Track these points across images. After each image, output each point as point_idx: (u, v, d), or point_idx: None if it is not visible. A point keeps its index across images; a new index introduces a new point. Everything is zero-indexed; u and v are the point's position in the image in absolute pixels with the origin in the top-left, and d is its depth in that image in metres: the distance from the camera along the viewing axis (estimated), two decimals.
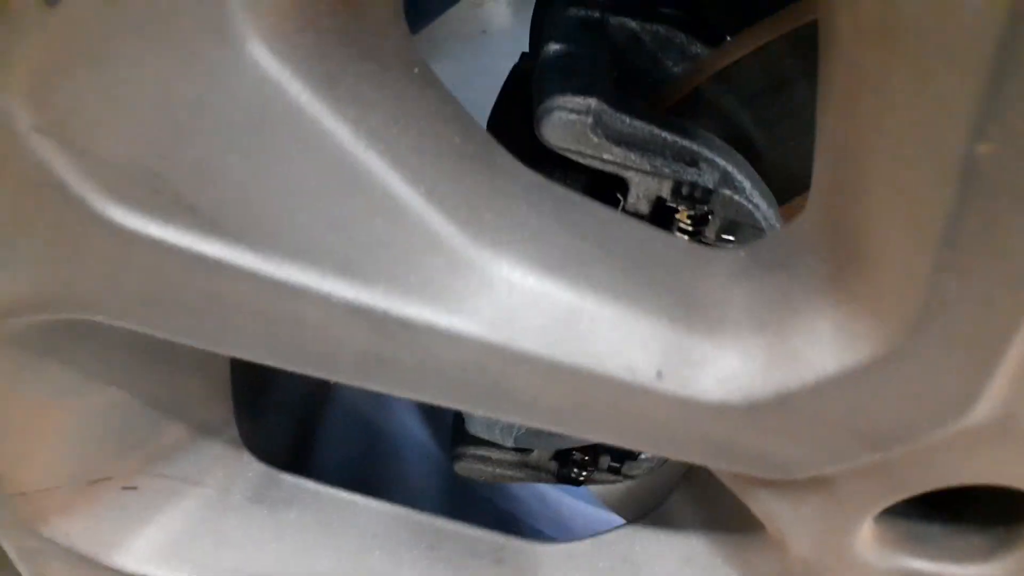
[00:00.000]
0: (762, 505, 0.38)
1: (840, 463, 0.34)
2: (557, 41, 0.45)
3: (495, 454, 0.62)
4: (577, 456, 0.64)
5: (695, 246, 0.35)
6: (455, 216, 0.29)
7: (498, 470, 0.62)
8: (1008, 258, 0.25)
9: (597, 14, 0.48)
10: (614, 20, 0.48)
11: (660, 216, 0.48)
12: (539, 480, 0.66)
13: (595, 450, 0.64)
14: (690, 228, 0.47)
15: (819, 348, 0.30)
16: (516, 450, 0.61)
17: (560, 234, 0.32)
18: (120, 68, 0.26)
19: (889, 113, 0.24)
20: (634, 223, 0.35)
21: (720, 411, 0.32)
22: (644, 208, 0.45)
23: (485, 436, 0.55)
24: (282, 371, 0.60)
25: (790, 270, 0.32)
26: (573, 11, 0.48)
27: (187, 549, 0.46)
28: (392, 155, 0.28)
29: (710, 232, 0.46)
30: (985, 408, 0.31)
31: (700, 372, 0.32)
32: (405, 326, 0.30)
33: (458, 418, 0.58)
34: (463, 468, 0.61)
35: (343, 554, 0.48)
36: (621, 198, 0.46)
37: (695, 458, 0.34)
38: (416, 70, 0.30)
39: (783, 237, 0.33)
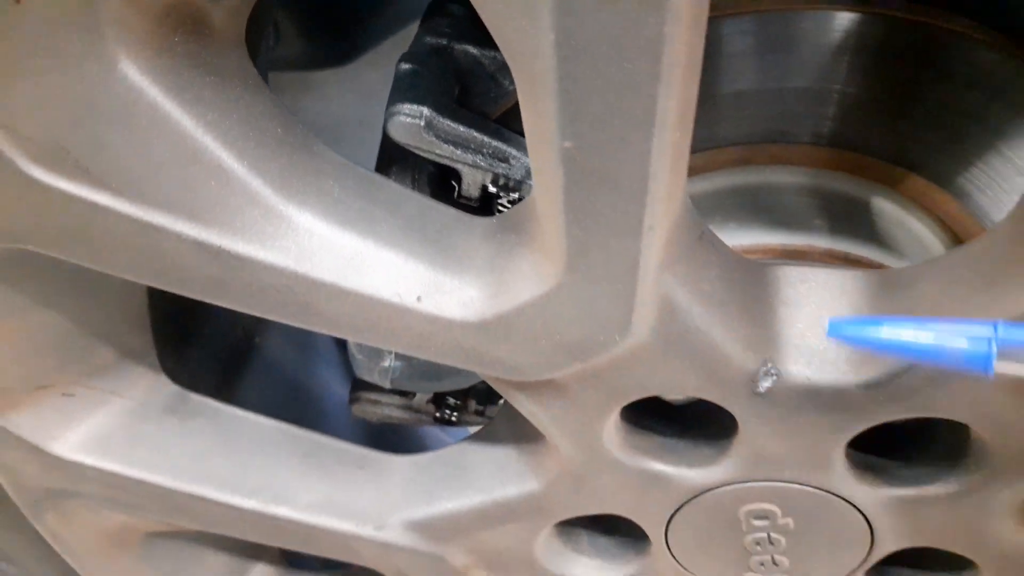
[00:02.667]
0: (523, 407, 0.52)
1: (561, 368, 0.47)
2: (408, 62, 0.59)
3: (384, 398, 0.75)
4: (451, 400, 0.77)
5: (463, 215, 0.48)
6: (271, 182, 0.43)
7: (386, 411, 0.76)
8: (606, 219, 0.39)
9: (444, 41, 0.61)
10: (458, 47, 0.62)
11: (487, 201, 0.61)
12: (422, 422, 0.79)
13: (465, 395, 0.78)
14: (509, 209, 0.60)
15: (520, 281, 0.44)
16: (400, 393, 0.75)
17: (356, 200, 0.46)
18: (39, 78, 0.40)
19: (529, 114, 0.38)
20: (421, 199, 0.48)
21: (463, 327, 0.45)
22: (475, 193, 0.59)
23: (367, 378, 0.69)
24: (206, 321, 0.74)
25: (518, 230, 0.45)
26: (427, 39, 0.62)
27: (110, 445, 0.60)
28: (224, 140, 0.42)
29: None
30: (643, 330, 0.45)
31: (449, 298, 0.45)
32: (235, 258, 0.43)
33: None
34: (358, 410, 0.75)
35: (234, 456, 0.62)
36: (456, 185, 0.59)
37: (458, 362, 0.48)
38: (250, 81, 0.44)
39: (521, 209, 0.46)
